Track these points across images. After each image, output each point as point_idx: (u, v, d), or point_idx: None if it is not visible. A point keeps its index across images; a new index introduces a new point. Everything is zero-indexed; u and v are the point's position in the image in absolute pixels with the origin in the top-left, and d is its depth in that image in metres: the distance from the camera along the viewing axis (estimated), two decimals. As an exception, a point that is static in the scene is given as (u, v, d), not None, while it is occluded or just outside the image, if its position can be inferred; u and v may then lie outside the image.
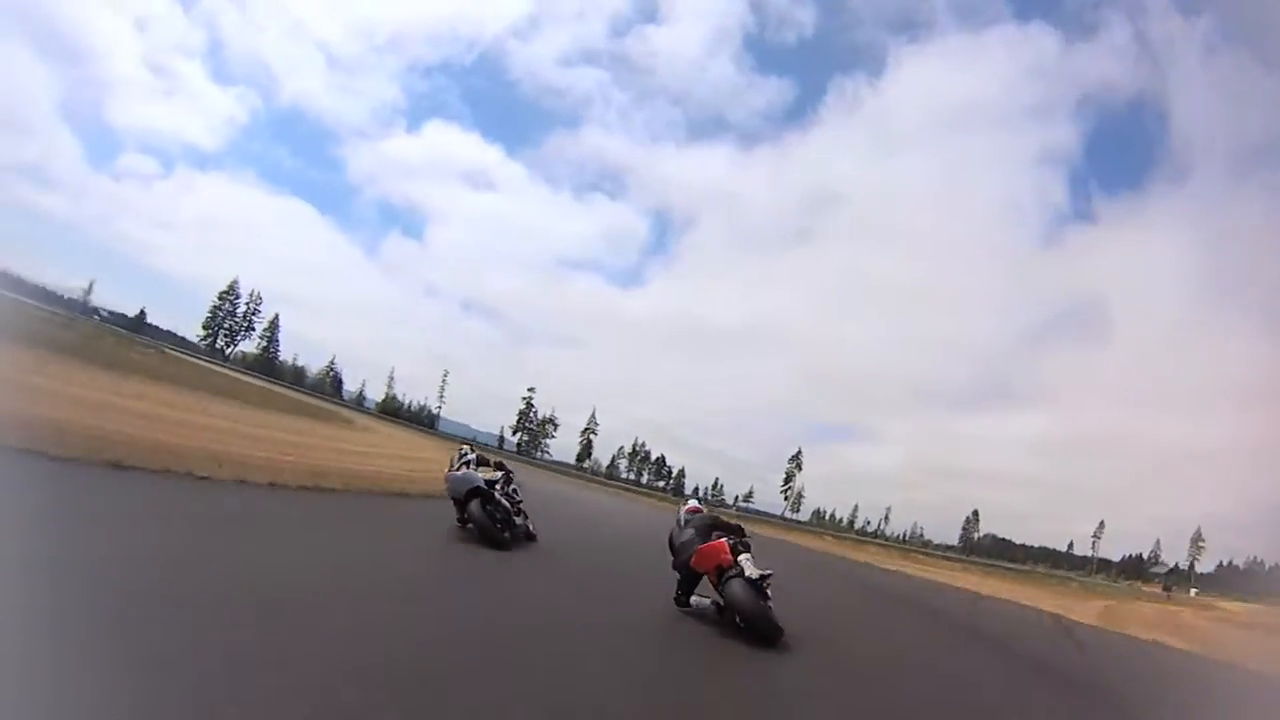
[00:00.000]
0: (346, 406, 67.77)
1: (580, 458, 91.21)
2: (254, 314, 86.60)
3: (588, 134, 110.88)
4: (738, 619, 5.92)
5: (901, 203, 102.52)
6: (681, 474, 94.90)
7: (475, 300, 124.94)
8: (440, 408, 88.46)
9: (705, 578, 6.30)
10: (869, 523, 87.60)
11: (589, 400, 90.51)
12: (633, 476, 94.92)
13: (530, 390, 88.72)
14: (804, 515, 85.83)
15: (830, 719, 4.44)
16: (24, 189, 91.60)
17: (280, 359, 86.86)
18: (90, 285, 74.09)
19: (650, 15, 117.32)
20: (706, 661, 5.22)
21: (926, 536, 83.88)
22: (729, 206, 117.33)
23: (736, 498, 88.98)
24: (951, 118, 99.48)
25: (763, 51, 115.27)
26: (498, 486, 8.27)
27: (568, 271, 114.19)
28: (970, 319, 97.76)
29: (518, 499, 8.87)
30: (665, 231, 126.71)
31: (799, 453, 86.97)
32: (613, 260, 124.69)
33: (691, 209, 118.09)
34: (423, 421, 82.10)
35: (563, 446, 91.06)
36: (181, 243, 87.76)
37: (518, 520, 8.57)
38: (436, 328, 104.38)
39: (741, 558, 6.20)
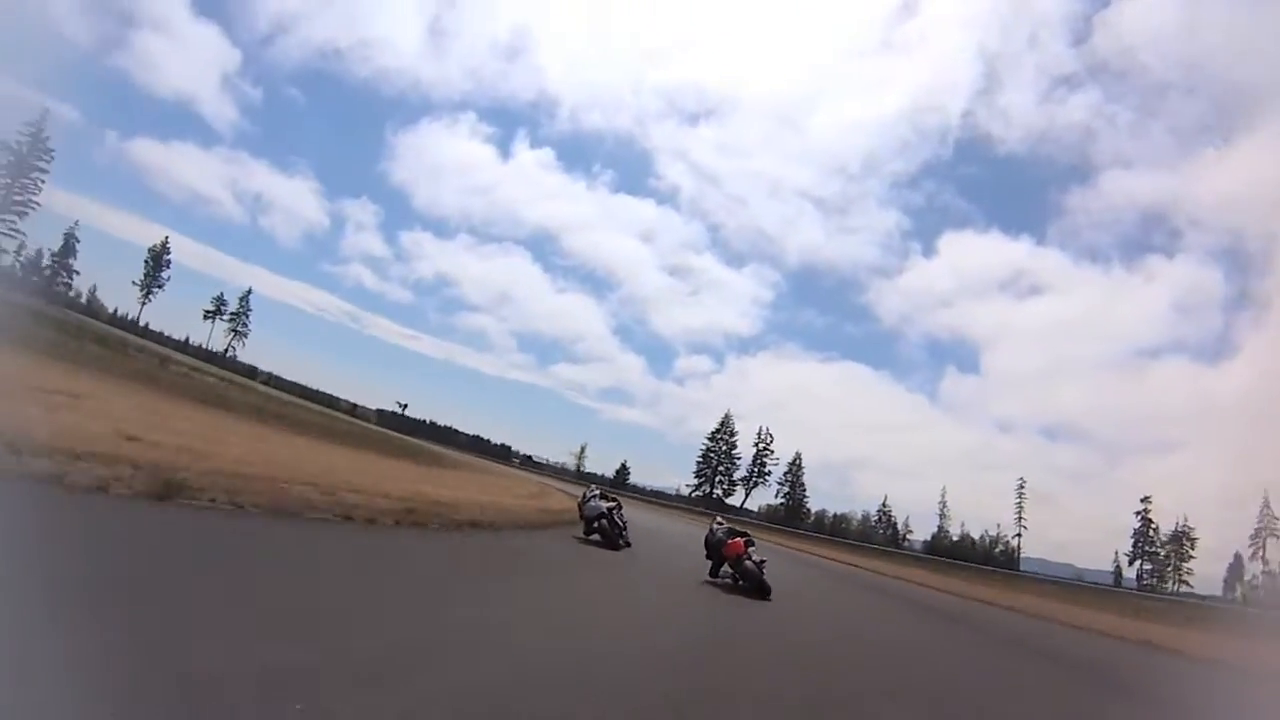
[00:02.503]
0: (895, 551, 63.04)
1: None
2: (765, 453, 74.78)
3: (1107, 178, 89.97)
4: (745, 584, 10.35)
5: None
6: None
7: (1055, 423, 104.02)
8: (1019, 536, 68.98)
9: (727, 562, 10.81)
10: None
11: (1201, 515, 62.35)
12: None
13: (1145, 501, 64.86)
14: None
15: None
16: (611, 407, 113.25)
17: (808, 506, 75.74)
18: (582, 449, 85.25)
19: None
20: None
21: None
22: (1313, 204, 75.98)
23: None
24: None
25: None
26: (614, 513, 13.25)
27: (1144, 361, 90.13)
28: None
29: (623, 521, 13.64)
30: (1244, 274, 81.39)
31: None
32: (1190, 332, 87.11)
33: (1267, 230, 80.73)
34: (996, 561, 66.82)
35: (1205, 575, 63.71)
36: (747, 428, 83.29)
37: (624, 535, 13.45)
38: (1021, 463, 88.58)
39: (750, 549, 10.64)
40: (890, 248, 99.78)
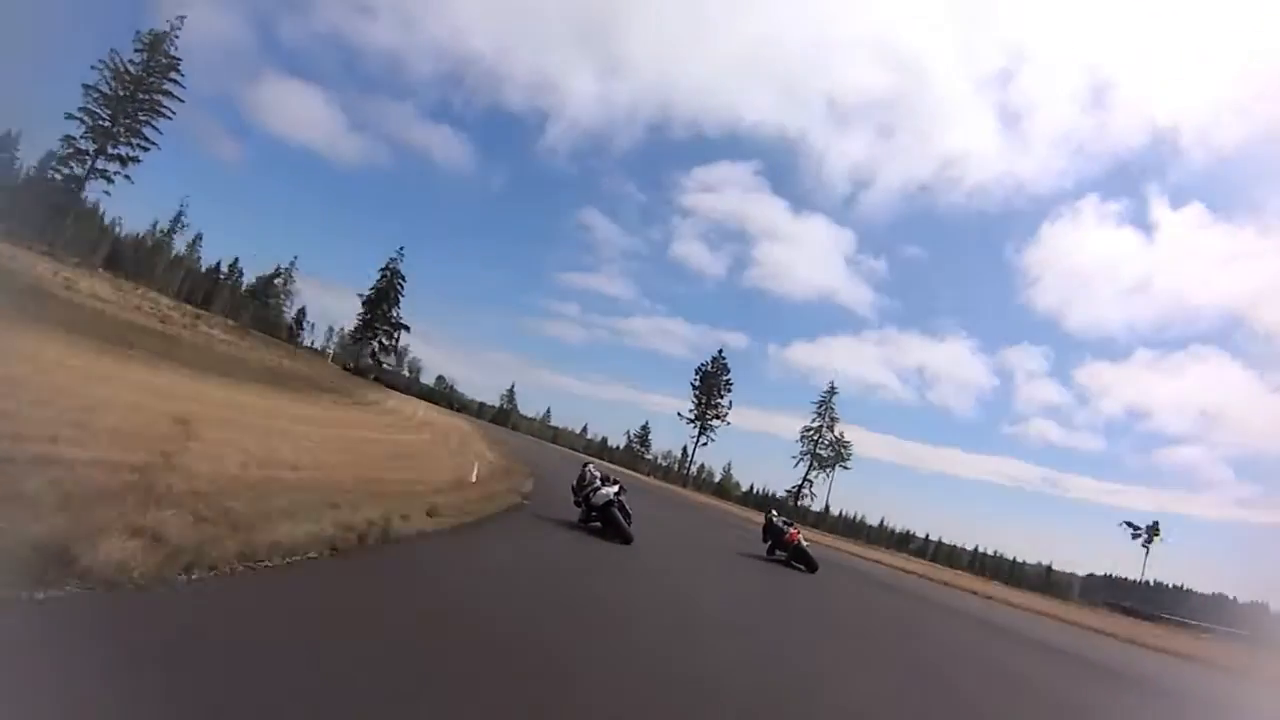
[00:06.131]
0: None
1: None
2: None
3: None
4: (796, 561, 14.61)
5: None
6: None
7: None
8: None
9: (781, 546, 15.11)
10: None
11: None
12: None
13: None
14: None
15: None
16: None
17: None
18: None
19: None
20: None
21: None
22: None
23: None
24: None
25: None
26: (620, 497, 11.38)
27: None
28: None
29: (628, 507, 11.57)
30: None
31: None
32: None
33: None
34: None
35: None
36: None
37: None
38: None
39: (801, 536, 14.91)
40: None
